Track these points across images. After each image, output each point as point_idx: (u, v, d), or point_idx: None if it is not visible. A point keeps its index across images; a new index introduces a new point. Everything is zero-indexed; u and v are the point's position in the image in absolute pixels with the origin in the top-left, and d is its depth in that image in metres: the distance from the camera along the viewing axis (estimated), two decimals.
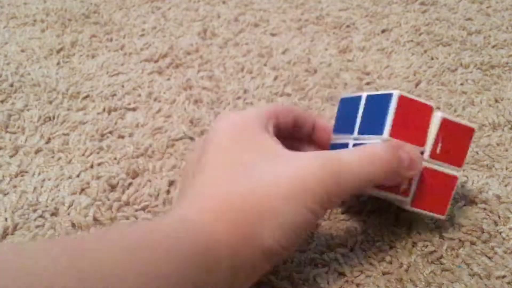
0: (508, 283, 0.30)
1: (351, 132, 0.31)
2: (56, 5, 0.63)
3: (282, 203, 0.25)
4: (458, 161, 0.31)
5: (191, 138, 0.42)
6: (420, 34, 0.56)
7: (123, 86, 0.49)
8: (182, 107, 0.46)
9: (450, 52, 0.53)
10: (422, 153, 0.30)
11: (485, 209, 0.35)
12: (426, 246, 0.32)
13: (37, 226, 0.34)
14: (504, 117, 0.43)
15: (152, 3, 0.64)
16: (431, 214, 0.32)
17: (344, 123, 0.33)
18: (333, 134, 0.34)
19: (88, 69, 0.51)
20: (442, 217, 0.32)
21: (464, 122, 0.31)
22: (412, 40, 0.55)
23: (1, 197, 0.37)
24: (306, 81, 0.49)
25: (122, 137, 0.43)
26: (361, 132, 0.31)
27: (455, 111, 0.45)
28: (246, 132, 0.28)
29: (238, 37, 0.57)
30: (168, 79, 0.50)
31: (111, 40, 0.56)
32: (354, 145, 0.31)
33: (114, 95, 0.48)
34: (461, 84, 0.48)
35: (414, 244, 0.33)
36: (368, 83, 0.49)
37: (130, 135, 0.43)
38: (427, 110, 0.30)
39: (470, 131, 0.32)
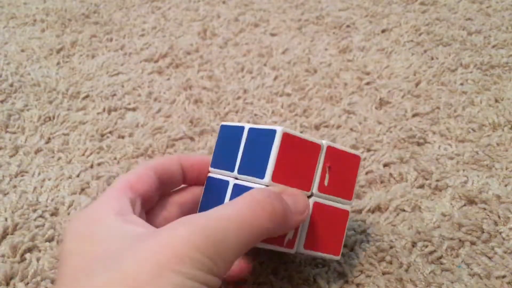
0: (508, 283, 0.30)
1: (232, 168, 0.28)
2: (56, 5, 0.63)
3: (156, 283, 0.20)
4: (347, 194, 0.29)
5: (191, 138, 0.42)
6: (420, 34, 0.56)
7: (123, 86, 0.49)
8: (182, 107, 0.46)
9: (450, 52, 0.53)
10: (309, 197, 0.27)
11: (485, 209, 0.35)
12: (426, 246, 0.32)
13: (37, 226, 0.34)
14: (504, 117, 0.43)
15: (152, 3, 0.64)
16: (325, 255, 0.29)
17: (224, 155, 0.29)
18: (212, 166, 0.30)
19: (88, 69, 0.51)
20: (337, 257, 0.29)
21: (350, 150, 0.29)
22: (412, 40, 0.55)
23: (1, 197, 0.37)
24: (306, 81, 0.49)
25: (122, 137, 0.43)
26: (241, 171, 0.27)
27: (455, 111, 0.45)
28: (95, 226, 0.24)
29: (238, 37, 0.57)
30: (168, 79, 0.50)
31: (111, 40, 0.56)
32: (235, 185, 0.27)
33: (114, 95, 0.48)
34: (461, 84, 0.48)
35: (414, 244, 0.33)
36: (368, 83, 0.49)
37: (130, 135, 0.43)
38: (315, 149, 0.27)
39: (357, 159, 0.29)
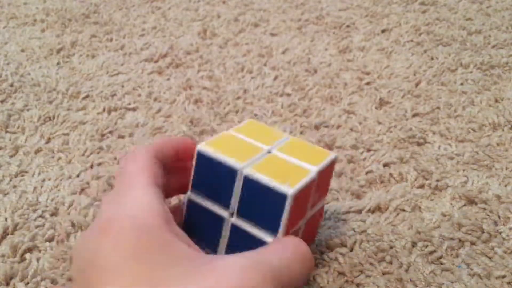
0: (508, 283, 0.30)
1: (225, 205, 0.27)
2: (56, 5, 0.63)
3: None
4: (324, 194, 0.30)
5: (191, 138, 0.42)
6: (420, 34, 0.56)
7: (123, 86, 0.49)
8: (182, 107, 0.46)
9: (450, 52, 0.53)
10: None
11: (485, 209, 0.35)
12: (426, 246, 0.32)
13: (37, 226, 0.34)
14: (504, 117, 0.43)
15: (152, 3, 0.64)
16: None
17: (211, 187, 0.27)
18: (194, 188, 0.28)
19: (88, 69, 0.51)
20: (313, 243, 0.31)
21: (329, 156, 0.28)
22: (412, 40, 0.55)
23: (1, 197, 0.37)
24: (306, 81, 0.49)
25: (122, 137, 0.43)
26: (241, 214, 0.26)
27: (455, 111, 0.45)
28: (147, 239, 0.21)
29: (238, 37, 0.57)
30: (168, 79, 0.50)
31: (111, 40, 0.56)
32: (233, 226, 0.27)
33: (114, 95, 0.48)
34: (461, 84, 0.48)
35: (414, 244, 0.33)
36: (368, 83, 0.49)
37: (130, 135, 0.43)
38: (311, 185, 0.26)
39: (333, 162, 0.29)
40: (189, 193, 0.28)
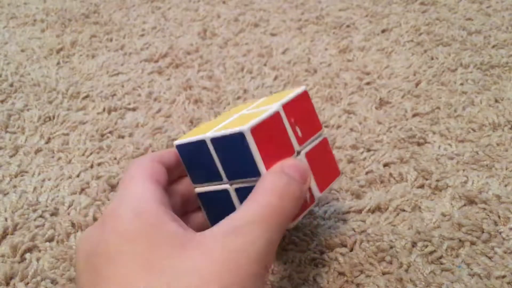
0: (508, 283, 0.30)
1: (219, 178, 0.28)
2: (56, 5, 0.63)
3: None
4: (317, 127, 0.30)
5: None
6: (420, 34, 0.56)
7: (123, 86, 0.49)
8: (182, 107, 0.46)
9: (450, 52, 0.53)
10: (298, 153, 0.28)
11: (485, 209, 0.35)
12: (426, 246, 0.32)
13: (37, 226, 0.34)
14: (504, 117, 0.43)
15: (152, 3, 0.64)
16: (333, 183, 0.31)
17: (200, 170, 0.29)
18: (194, 182, 0.30)
19: (88, 69, 0.51)
20: (340, 176, 0.31)
21: (295, 92, 0.29)
22: (412, 40, 0.55)
23: (1, 197, 0.37)
24: (306, 81, 0.49)
25: (122, 137, 0.43)
26: (231, 177, 0.28)
27: (455, 111, 0.45)
28: (141, 223, 0.23)
29: (238, 37, 0.57)
30: (168, 79, 0.50)
31: (111, 40, 0.56)
32: (237, 189, 0.28)
33: (114, 95, 0.48)
34: (461, 84, 0.48)
35: (414, 244, 0.33)
36: (368, 83, 0.49)
37: (130, 135, 0.43)
38: (277, 119, 0.27)
39: (304, 93, 0.29)
40: (194, 188, 0.30)
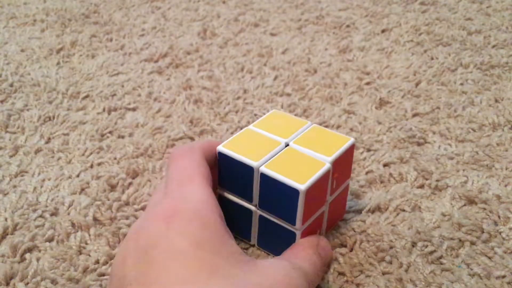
0: (508, 283, 0.30)
1: (249, 199, 0.29)
2: (56, 5, 0.63)
3: None
4: (347, 175, 0.31)
5: (191, 138, 0.42)
6: (420, 34, 0.56)
7: (123, 86, 0.49)
8: (182, 107, 0.46)
9: (450, 52, 0.53)
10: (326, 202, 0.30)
11: (485, 209, 0.35)
12: (426, 246, 0.32)
13: (37, 226, 0.34)
14: (504, 117, 0.43)
15: (152, 3, 0.64)
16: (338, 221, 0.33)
17: (234, 183, 0.30)
18: (221, 185, 0.31)
19: (88, 69, 0.51)
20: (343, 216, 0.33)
21: (347, 143, 0.30)
22: (412, 40, 0.55)
23: (1, 197, 0.37)
24: (306, 81, 0.49)
25: (122, 137, 0.43)
26: (263, 207, 0.29)
27: (455, 111, 0.45)
28: (206, 231, 0.24)
29: (238, 37, 0.57)
30: (168, 79, 0.50)
31: (111, 40, 0.56)
32: (261, 217, 0.29)
33: (114, 95, 0.48)
34: (461, 84, 0.48)
35: (414, 244, 0.33)
36: (368, 83, 0.49)
37: (130, 135, 0.43)
38: (326, 176, 0.28)
39: (352, 148, 0.30)
40: (218, 189, 0.31)
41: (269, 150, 0.29)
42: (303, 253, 0.28)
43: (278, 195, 0.27)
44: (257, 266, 0.24)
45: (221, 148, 0.29)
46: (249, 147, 0.29)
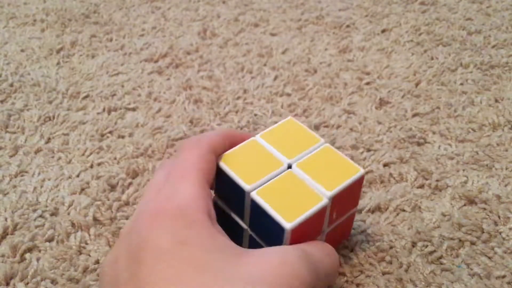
0: (508, 283, 0.30)
1: (241, 216, 0.28)
2: (56, 5, 0.63)
3: None
4: (354, 204, 0.29)
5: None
6: (420, 34, 0.56)
7: (123, 86, 0.49)
8: (182, 107, 0.46)
9: (450, 52, 0.53)
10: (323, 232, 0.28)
11: (485, 209, 0.35)
12: (426, 246, 0.32)
13: (37, 226, 0.34)
14: (504, 117, 0.43)
15: (152, 3, 0.64)
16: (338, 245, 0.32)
17: (228, 197, 0.29)
18: (217, 194, 0.30)
19: (88, 69, 0.51)
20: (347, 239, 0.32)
21: (353, 175, 0.27)
22: (412, 40, 0.55)
23: (1, 197, 0.37)
24: (306, 81, 0.49)
25: (122, 137, 0.43)
26: (253, 230, 0.28)
27: (455, 111, 0.45)
28: (191, 230, 0.23)
29: (238, 37, 0.57)
30: (168, 79, 0.50)
31: (111, 40, 0.56)
32: (251, 237, 0.28)
33: (114, 95, 0.48)
34: (461, 84, 0.48)
35: (414, 244, 0.33)
36: (368, 83, 0.49)
37: (130, 135, 0.43)
38: (321, 213, 0.26)
39: (360, 180, 0.28)
40: (214, 197, 0.29)
41: (268, 171, 0.27)
42: (314, 242, 0.26)
43: (266, 223, 0.26)
44: (250, 256, 0.23)
45: (220, 162, 0.28)
46: (249, 163, 0.27)
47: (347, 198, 0.28)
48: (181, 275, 0.21)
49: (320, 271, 0.24)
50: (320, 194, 0.26)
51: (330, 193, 0.26)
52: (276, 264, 0.22)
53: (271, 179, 0.27)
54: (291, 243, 0.25)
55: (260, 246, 0.26)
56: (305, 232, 0.26)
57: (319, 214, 0.26)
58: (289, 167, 0.28)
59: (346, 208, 0.29)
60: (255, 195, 0.26)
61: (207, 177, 0.26)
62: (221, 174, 0.28)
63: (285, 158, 0.28)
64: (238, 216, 0.28)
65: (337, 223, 0.29)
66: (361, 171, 0.28)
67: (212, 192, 0.29)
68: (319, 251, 0.25)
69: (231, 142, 0.29)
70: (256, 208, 0.26)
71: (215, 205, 0.29)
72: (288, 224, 0.25)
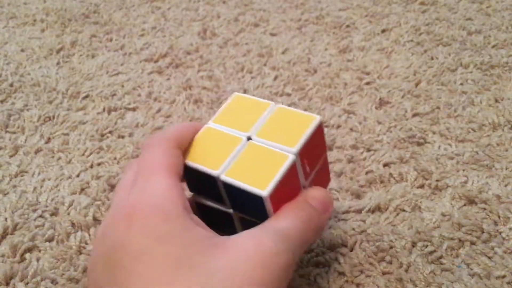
0: (508, 283, 0.30)
1: (223, 203, 0.28)
2: (56, 5, 0.63)
3: None
4: (322, 152, 0.29)
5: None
6: (420, 34, 0.56)
7: (123, 86, 0.49)
8: (182, 107, 0.46)
9: (450, 52, 0.53)
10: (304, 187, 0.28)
11: (485, 209, 0.35)
12: (426, 246, 0.32)
13: (37, 226, 0.34)
14: (504, 117, 0.43)
15: (152, 3, 0.64)
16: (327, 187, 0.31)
17: (203, 188, 0.28)
18: (192, 191, 0.29)
19: (88, 69, 0.51)
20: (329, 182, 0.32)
21: (312, 124, 0.27)
22: (412, 40, 0.55)
23: (1, 197, 0.37)
24: (306, 81, 0.49)
25: (122, 137, 0.43)
26: (237, 210, 0.27)
27: (455, 111, 0.45)
28: (167, 225, 0.23)
29: (238, 37, 0.57)
30: (168, 79, 0.50)
31: (111, 40, 0.56)
32: (242, 218, 0.28)
33: (114, 95, 0.48)
34: (461, 84, 0.48)
35: (414, 244, 0.33)
36: (368, 83, 0.49)
37: (130, 135, 0.43)
38: (292, 168, 0.26)
39: (319, 128, 0.28)
40: (193, 196, 0.29)
41: (230, 151, 0.27)
42: (285, 213, 0.26)
43: (246, 200, 0.26)
44: (227, 247, 0.22)
45: (188, 161, 0.27)
46: (210, 150, 0.27)
47: (313, 148, 0.28)
48: (158, 275, 0.21)
49: (297, 243, 0.24)
50: (286, 153, 0.26)
51: (294, 148, 0.26)
52: (252, 254, 0.22)
53: (235, 157, 0.27)
54: (275, 208, 0.25)
55: (254, 223, 0.26)
56: (285, 193, 0.26)
57: (291, 172, 0.26)
58: (249, 139, 0.28)
59: (316, 157, 0.29)
60: (225, 177, 0.26)
61: (175, 171, 0.25)
62: (188, 170, 0.28)
63: (242, 133, 0.28)
64: (219, 204, 0.28)
65: (313, 174, 0.29)
66: (318, 118, 0.28)
67: (185, 186, 0.29)
68: (294, 220, 0.25)
69: (194, 134, 0.29)
70: (231, 189, 0.26)
71: (197, 203, 0.29)
72: (264, 192, 0.25)
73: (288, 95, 0.47)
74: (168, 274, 0.21)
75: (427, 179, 0.37)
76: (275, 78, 0.50)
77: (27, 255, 0.32)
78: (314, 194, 0.27)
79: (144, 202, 0.23)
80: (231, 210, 0.28)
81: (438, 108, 0.45)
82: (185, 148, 0.28)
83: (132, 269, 0.21)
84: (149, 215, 0.23)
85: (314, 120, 0.27)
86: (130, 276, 0.21)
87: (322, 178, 0.30)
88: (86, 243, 0.33)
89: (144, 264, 0.21)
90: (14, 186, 0.38)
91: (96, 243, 0.24)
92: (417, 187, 0.37)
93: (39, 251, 0.33)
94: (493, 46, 0.54)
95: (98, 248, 0.24)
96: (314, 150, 0.28)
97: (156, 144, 0.26)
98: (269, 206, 0.25)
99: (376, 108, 0.45)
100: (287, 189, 0.26)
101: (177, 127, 0.28)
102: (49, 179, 0.38)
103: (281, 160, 0.26)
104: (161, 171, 0.25)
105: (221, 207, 0.28)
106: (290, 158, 0.26)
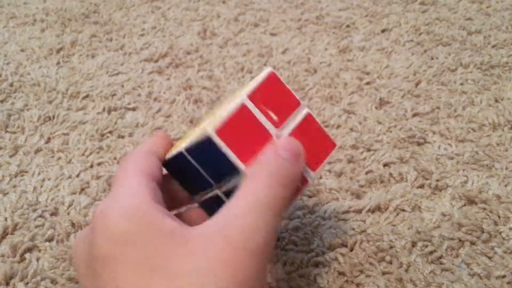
0: (508, 283, 0.30)
1: (209, 186, 0.27)
2: (56, 5, 0.63)
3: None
4: (294, 104, 0.28)
5: None
6: (420, 34, 0.56)
7: (123, 86, 0.49)
8: (182, 107, 0.46)
9: (450, 52, 0.53)
10: (278, 137, 0.27)
11: (485, 209, 0.35)
12: (426, 246, 0.32)
13: (37, 226, 0.34)
14: (504, 117, 0.43)
15: (152, 3, 0.64)
16: (328, 158, 0.29)
17: (191, 182, 0.28)
18: (193, 196, 0.29)
19: (88, 69, 0.51)
20: (335, 146, 0.29)
21: (259, 77, 0.27)
22: (412, 40, 0.55)
23: (1, 197, 0.37)
24: (306, 81, 0.49)
25: (122, 137, 0.43)
26: (217, 180, 0.27)
27: (455, 111, 0.45)
28: (135, 222, 0.22)
29: (238, 37, 0.57)
30: (168, 79, 0.50)
31: (111, 40, 0.56)
32: (225, 192, 0.27)
33: (114, 95, 0.48)
34: (461, 84, 0.48)
35: (414, 244, 0.33)
36: (368, 83, 0.49)
37: (130, 135, 0.43)
38: (245, 110, 0.26)
39: (272, 76, 0.28)
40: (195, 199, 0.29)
41: (194, 135, 0.27)
42: (253, 174, 0.24)
43: (210, 156, 0.25)
44: (196, 242, 0.22)
45: (166, 157, 0.28)
46: (181, 141, 0.28)
47: (274, 96, 0.28)
48: (126, 279, 0.21)
49: (270, 208, 0.23)
50: (238, 99, 0.26)
51: (244, 94, 0.26)
52: (221, 249, 0.21)
53: (191, 132, 0.27)
54: (243, 158, 0.25)
55: (233, 186, 0.25)
56: (247, 139, 0.26)
57: (245, 115, 0.26)
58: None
59: (285, 109, 0.28)
60: (185, 144, 0.26)
61: (147, 172, 0.25)
62: (170, 167, 0.28)
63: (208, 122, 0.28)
64: (209, 187, 0.28)
65: (292, 124, 0.28)
66: (269, 68, 0.28)
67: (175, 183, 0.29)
68: (265, 180, 0.24)
69: (170, 141, 0.29)
70: (195, 154, 0.26)
71: (201, 206, 0.29)
72: (210, 128, 0.24)
73: None
74: (134, 280, 0.21)
75: (427, 179, 0.37)
76: None
77: (27, 255, 0.32)
78: (280, 143, 0.26)
79: (110, 206, 0.23)
80: (217, 190, 0.27)
81: (438, 108, 0.45)
82: (162, 153, 0.28)
83: (104, 277, 0.22)
84: (112, 218, 0.22)
85: (266, 69, 0.28)
86: (104, 284, 0.22)
87: (317, 141, 0.29)
88: None
89: (111, 270, 0.21)
90: (14, 186, 0.38)
91: (75, 253, 0.24)
92: (417, 187, 0.37)
93: (39, 251, 0.33)
94: (493, 46, 0.54)
95: (77, 257, 0.24)
96: (276, 98, 0.28)
97: (130, 155, 0.27)
98: (223, 146, 0.25)
99: (376, 108, 0.45)
100: (248, 133, 0.26)
101: (150, 137, 0.28)
102: (49, 179, 0.38)
103: (232, 106, 0.26)
104: (132, 176, 0.25)
105: (210, 192, 0.28)
106: (239, 99, 0.26)
